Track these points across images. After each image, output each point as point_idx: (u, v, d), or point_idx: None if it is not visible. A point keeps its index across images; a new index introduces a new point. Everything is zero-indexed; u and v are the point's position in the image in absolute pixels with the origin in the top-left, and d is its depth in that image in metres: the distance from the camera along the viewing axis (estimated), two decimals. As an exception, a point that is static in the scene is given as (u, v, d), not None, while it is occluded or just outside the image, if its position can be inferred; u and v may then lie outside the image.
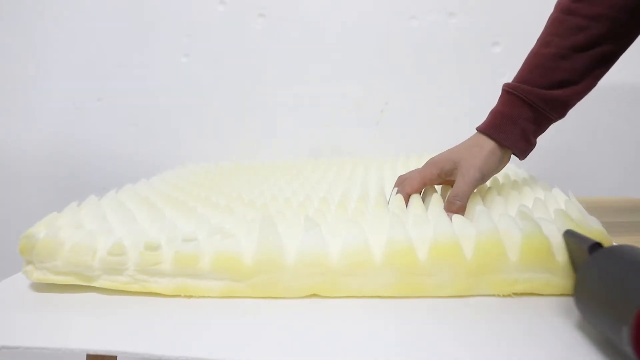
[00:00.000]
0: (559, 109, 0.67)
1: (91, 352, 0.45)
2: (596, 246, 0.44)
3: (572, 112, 0.68)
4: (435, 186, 0.73)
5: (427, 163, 0.70)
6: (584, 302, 0.42)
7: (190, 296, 0.54)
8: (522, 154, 0.69)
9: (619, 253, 0.41)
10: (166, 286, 0.54)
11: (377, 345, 0.43)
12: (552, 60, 0.65)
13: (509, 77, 1.19)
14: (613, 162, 1.21)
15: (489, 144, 0.67)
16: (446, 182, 0.72)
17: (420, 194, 0.70)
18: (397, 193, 0.69)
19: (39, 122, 1.33)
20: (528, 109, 0.66)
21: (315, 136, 1.27)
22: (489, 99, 0.72)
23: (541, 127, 0.68)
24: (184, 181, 0.96)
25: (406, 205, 0.66)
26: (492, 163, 0.67)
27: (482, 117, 0.76)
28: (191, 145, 1.31)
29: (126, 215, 0.68)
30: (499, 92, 0.69)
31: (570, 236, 0.50)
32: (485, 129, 0.68)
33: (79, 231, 0.59)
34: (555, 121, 0.68)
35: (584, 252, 0.44)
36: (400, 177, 0.74)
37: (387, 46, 1.22)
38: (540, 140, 0.69)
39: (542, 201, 0.63)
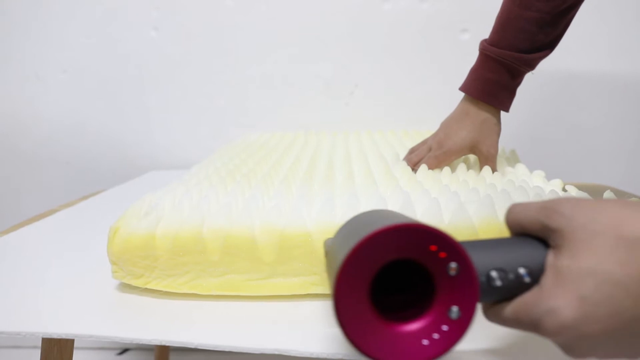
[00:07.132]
0: (534, 66, 0.72)
1: (46, 336, 0.45)
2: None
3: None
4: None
5: (445, 153, 0.74)
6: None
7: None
8: (508, 109, 0.75)
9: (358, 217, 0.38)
10: None
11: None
12: (535, 25, 0.69)
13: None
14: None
15: (491, 117, 0.73)
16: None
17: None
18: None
19: (-2, 93, 1.29)
20: (515, 73, 0.72)
21: (284, 115, 1.27)
22: (456, 85, 0.75)
23: (519, 81, 0.74)
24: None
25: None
26: (499, 132, 0.75)
27: (449, 101, 0.78)
28: (159, 121, 1.29)
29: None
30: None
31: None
32: (486, 98, 0.72)
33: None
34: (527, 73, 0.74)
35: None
36: (411, 154, 0.80)
37: (358, 29, 1.22)
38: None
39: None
